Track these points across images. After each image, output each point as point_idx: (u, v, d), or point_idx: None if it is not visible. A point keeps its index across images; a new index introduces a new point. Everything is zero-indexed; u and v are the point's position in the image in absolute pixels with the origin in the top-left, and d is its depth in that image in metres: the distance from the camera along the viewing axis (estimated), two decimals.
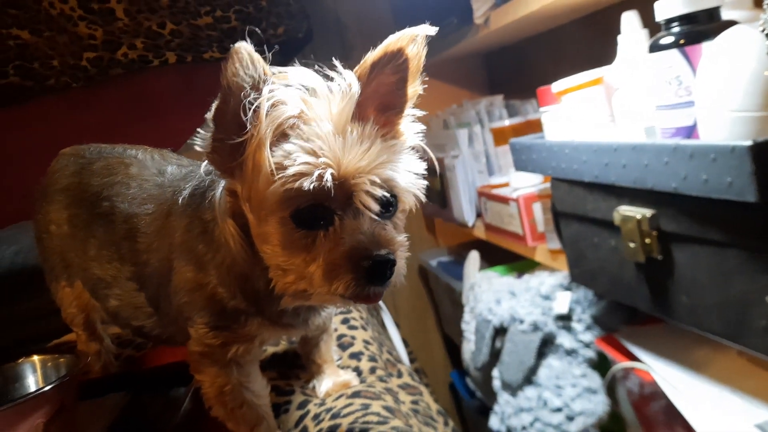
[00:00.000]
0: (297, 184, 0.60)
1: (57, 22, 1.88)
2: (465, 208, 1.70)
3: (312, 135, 0.62)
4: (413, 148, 0.72)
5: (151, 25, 1.94)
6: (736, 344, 0.73)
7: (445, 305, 2.02)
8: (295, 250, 0.64)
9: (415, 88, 0.70)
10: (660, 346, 0.99)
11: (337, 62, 0.66)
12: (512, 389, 1.27)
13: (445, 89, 2.11)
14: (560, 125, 1.07)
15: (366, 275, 0.61)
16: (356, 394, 0.90)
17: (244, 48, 0.59)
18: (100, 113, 1.94)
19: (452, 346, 2.16)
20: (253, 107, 0.61)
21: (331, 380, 0.98)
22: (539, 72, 1.77)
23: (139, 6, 1.92)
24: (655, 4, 0.78)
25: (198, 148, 0.66)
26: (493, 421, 1.34)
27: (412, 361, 1.89)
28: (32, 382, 0.95)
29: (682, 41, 0.75)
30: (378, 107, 0.69)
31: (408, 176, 0.67)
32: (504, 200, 1.44)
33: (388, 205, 0.66)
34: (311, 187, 0.60)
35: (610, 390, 1.19)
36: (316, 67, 0.66)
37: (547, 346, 1.24)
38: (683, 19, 0.76)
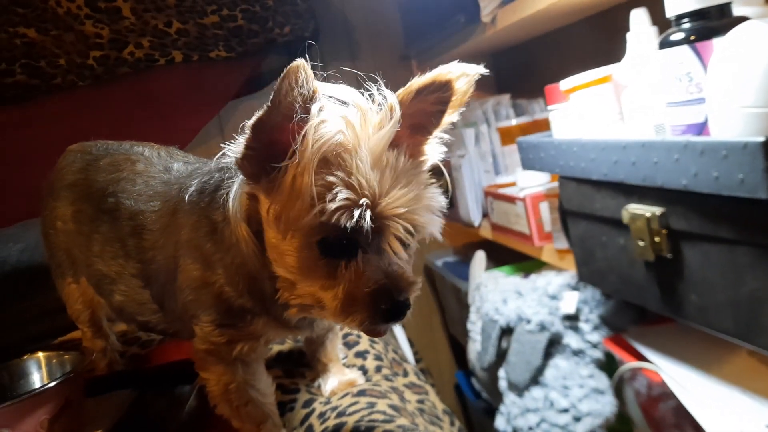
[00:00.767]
0: (335, 218, 0.60)
1: (64, 21, 1.88)
2: (471, 208, 1.69)
3: (353, 168, 0.61)
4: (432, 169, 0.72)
5: (157, 23, 1.94)
6: (748, 343, 0.72)
7: (450, 305, 2.01)
8: (313, 275, 0.65)
9: (451, 118, 0.70)
10: (669, 347, 0.98)
11: (379, 78, 0.65)
12: (519, 389, 1.26)
13: None
14: (568, 123, 1.06)
15: (383, 316, 0.62)
16: (362, 393, 0.89)
17: (303, 67, 0.58)
18: (107, 112, 1.95)
19: (458, 346, 2.15)
20: (303, 132, 0.60)
21: (337, 379, 0.98)
22: (546, 72, 1.77)
23: (145, 5, 1.92)
24: (666, 0, 0.77)
25: (229, 153, 0.65)
26: (499, 422, 1.33)
27: (417, 361, 1.89)
28: (37, 378, 0.95)
29: (692, 37, 0.75)
30: (410, 126, 0.69)
31: (433, 217, 0.67)
32: (511, 200, 1.43)
33: (408, 243, 0.67)
34: (348, 224, 0.60)
35: (618, 391, 1.18)
36: (361, 81, 0.65)
37: (554, 346, 1.23)
38: (694, 15, 0.75)
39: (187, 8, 1.94)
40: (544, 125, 1.48)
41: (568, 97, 1.05)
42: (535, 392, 1.23)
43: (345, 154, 0.62)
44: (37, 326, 1.26)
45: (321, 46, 2.01)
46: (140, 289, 0.88)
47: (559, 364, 1.21)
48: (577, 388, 1.18)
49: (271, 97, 0.59)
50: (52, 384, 0.82)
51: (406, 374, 1.11)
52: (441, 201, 0.69)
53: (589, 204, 0.97)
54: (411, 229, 0.63)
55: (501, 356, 1.34)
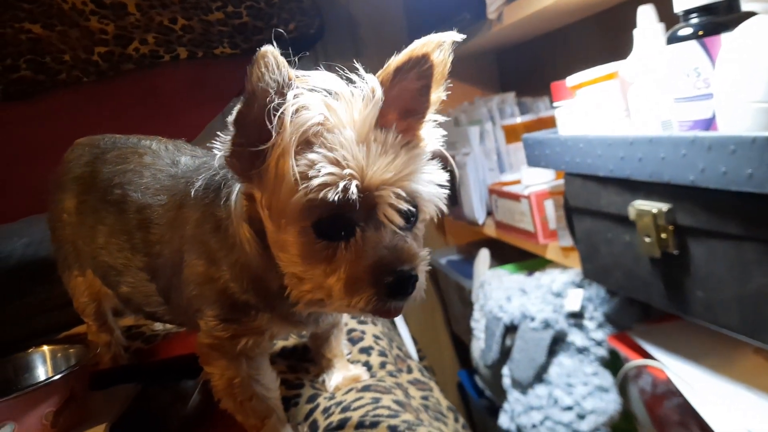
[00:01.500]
0: (321, 194, 0.59)
1: (69, 17, 1.88)
2: (476, 206, 1.69)
3: (336, 144, 0.61)
4: (433, 154, 0.71)
5: (162, 20, 1.94)
6: (754, 340, 0.72)
7: (454, 304, 2.01)
8: (314, 260, 0.63)
9: (438, 94, 0.69)
10: (674, 344, 0.97)
11: (358, 65, 0.64)
12: (522, 387, 1.26)
13: (457, 87, 2.10)
14: (574, 120, 1.06)
15: (388, 291, 0.60)
16: (366, 388, 0.89)
17: (271, 52, 0.58)
18: (111, 108, 1.95)
19: (460, 345, 2.15)
20: (278, 114, 0.59)
21: (341, 374, 0.98)
22: (551, 70, 1.76)
23: (150, 1, 1.92)
24: None
25: (217, 152, 0.65)
26: (503, 420, 1.33)
27: (421, 359, 1.88)
28: (42, 372, 0.95)
29: (701, 32, 0.74)
30: (400, 112, 0.68)
31: (431, 187, 0.66)
32: (515, 197, 1.43)
33: (410, 216, 0.65)
34: (336, 198, 0.59)
35: (622, 389, 1.17)
36: (338, 69, 0.65)
37: (558, 344, 1.23)
38: (702, 10, 0.75)
39: (191, 5, 1.94)
40: (548, 123, 1.48)
41: (575, 93, 1.04)
42: (539, 390, 1.22)
43: (327, 133, 0.61)
44: (42, 321, 1.25)
45: (326, 43, 2.01)
46: (146, 282, 0.88)
47: (563, 361, 1.21)
48: (581, 385, 1.18)
49: (245, 87, 0.59)
50: (57, 377, 0.83)
51: (410, 371, 1.11)
52: (439, 174, 0.68)
53: (594, 200, 0.97)
54: (403, 194, 0.62)
55: (505, 354, 1.34)
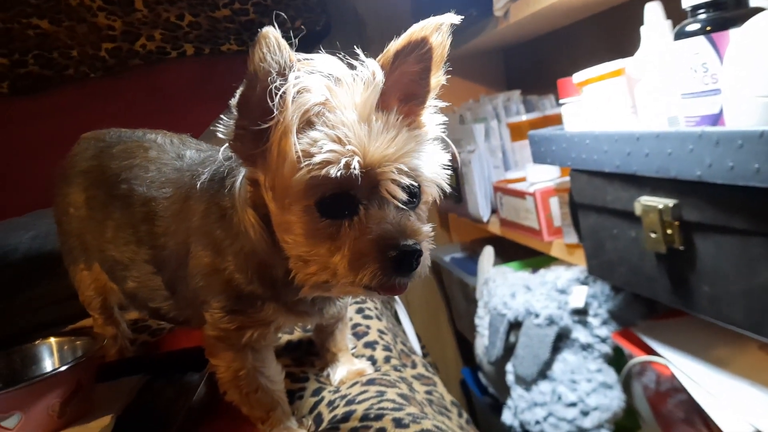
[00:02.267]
0: (323, 171, 0.59)
1: (76, 12, 1.89)
2: (480, 204, 1.69)
3: (338, 123, 0.61)
4: (435, 140, 0.72)
5: (169, 16, 1.95)
6: (760, 335, 0.72)
7: (458, 301, 2.01)
8: (318, 239, 0.63)
9: (438, 78, 0.69)
10: (679, 340, 0.98)
11: (359, 51, 0.65)
12: (526, 383, 1.26)
13: (463, 85, 2.10)
14: (581, 116, 1.06)
15: (392, 265, 0.60)
16: (371, 382, 0.89)
17: (272, 33, 0.58)
18: (118, 103, 1.95)
19: (464, 342, 2.16)
20: (280, 93, 0.60)
21: (346, 368, 0.98)
22: (557, 68, 1.75)
23: None
24: None
25: (220, 135, 0.65)
26: (506, 416, 1.33)
27: (425, 355, 1.89)
28: (49, 363, 0.96)
29: (708, 28, 0.74)
30: (401, 97, 0.68)
31: (433, 166, 0.67)
32: (520, 195, 1.43)
33: (413, 196, 0.66)
34: (338, 174, 0.59)
35: (626, 386, 1.18)
36: (339, 55, 0.66)
37: (562, 340, 1.23)
38: (710, 6, 0.75)
39: (199, 1, 1.94)
40: (554, 121, 1.48)
41: (581, 90, 1.05)
42: (543, 386, 1.23)
43: (329, 113, 0.62)
44: (48, 313, 1.26)
45: (332, 40, 2.01)
46: (152, 275, 0.88)
47: (567, 358, 1.21)
48: (585, 382, 1.18)
49: (247, 68, 0.59)
50: (64, 368, 0.83)
51: (414, 366, 1.11)
52: (441, 154, 0.68)
53: (600, 196, 0.97)
54: (405, 169, 0.62)
55: (509, 350, 1.34)
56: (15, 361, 0.94)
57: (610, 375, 1.18)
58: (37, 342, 0.96)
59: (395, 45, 0.65)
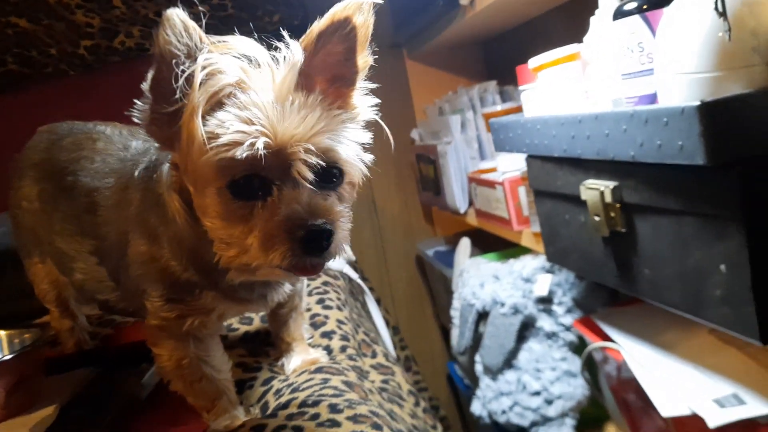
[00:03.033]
0: (230, 153, 0.59)
1: (55, 11, 1.89)
2: (457, 195, 1.68)
3: (249, 103, 0.61)
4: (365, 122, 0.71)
5: (148, 13, 1.95)
6: (695, 317, 0.71)
7: (440, 295, 2.00)
8: (233, 221, 0.63)
9: (365, 59, 0.69)
10: (633, 326, 0.97)
11: (285, 33, 0.64)
12: (493, 373, 1.25)
13: (443, 77, 2.09)
14: (537, 102, 1.05)
15: (302, 245, 0.60)
16: (318, 370, 0.89)
17: (177, 14, 0.58)
18: (98, 101, 1.94)
19: (448, 336, 2.14)
20: (185, 75, 0.59)
21: (300, 358, 0.97)
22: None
23: None
24: None
25: (136, 120, 0.65)
26: (475, 406, 1.32)
27: (402, 348, 1.88)
28: None
29: (645, 6, 0.74)
30: (329, 79, 0.68)
31: (351, 146, 0.66)
32: (491, 184, 1.42)
33: (331, 176, 0.65)
34: (244, 155, 0.58)
35: (593, 375, 1.17)
36: (262, 37, 0.65)
37: (528, 329, 1.22)
38: None
39: None
40: None
41: (536, 75, 1.04)
42: (509, 375, 1.22)
43: (240, 93, 0.61)
44: (10, 308, 1.26)
45: None
46: (97, 266, 0.88)
47: (533, 347, 1.21)
48: (549, 370, 1.17)
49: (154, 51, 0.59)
50: (7, 358, 0.83)
51: (374, 355, 1.11)
52: (361, 134, 0.68)
53: (552, 182, 0.96)
54: (313, 149, 0.61)
55: (478, 341, 1.33)
56: None
57: (574, 363, 1.17)
58: None
59: (318, 25, 0.64)
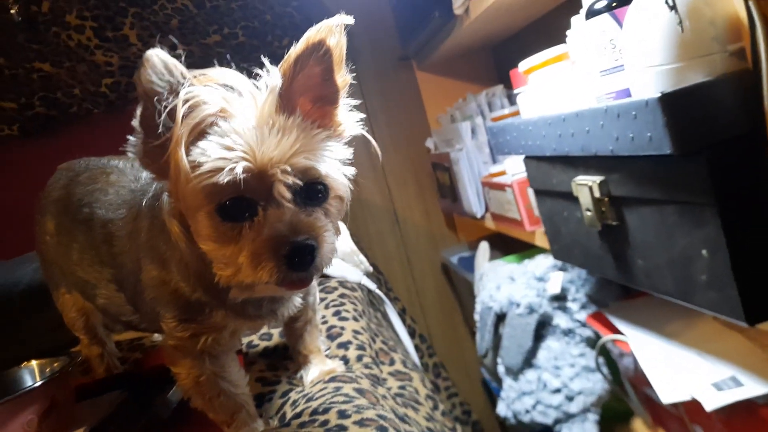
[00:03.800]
0: (213, 179, 0.63)
1: (75, 53, 1.97)
2: (472, 200, 1.70)
3: (230, 131, 0.64)
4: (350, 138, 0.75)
5: (163, 47, 2.02)
6: (687, 303, 0.72)
7: (467, 300, 2.02)
8: (224, 242, 0.67)
9: (343, 77, 0.72)
10: (641, 318, 0.98)
11: (265, 60, 0.68)
12: (514, 373, 1.26)
13: (454, 85, 2.12)
14: (530, 104, 1.07)
15: (286, 261, 0.63)
16: (332, 379, 0.92)
17: (156, 55, 0.62)
18: (123, 137, 2.02)
19: None
20: (167, 110, 0.63)
21: (318, 369, 1.00)
22: None
23: (150, 30, 2.00)
24: None
25: (130, 155, 0.69)
26: (500, 408, 1.33)
27: (431, 355, 1.90)
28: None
29: (614, 4, 0.75)
30: (312, 99, 0.71)
31: (331, 163, 0.69)
32: (501, 187, 1.44)
33: (316, 193, 0.68)
34: (225, 180, 0.62)
35: (614, 369, 1.17)
36: (243, 66, 0.69)
37: (545, 328, 1.23)
38: None
39: (189, 30, 2.01)
40: None
41: (527, 78, 1.06)
42: (529, 375, 1.23)
43: (222, 121, 0.65)
44: (51, 340, 1.32)
45: None
46: (117, 293, 0.93)
47: (551, 345, 1.22)
48: (568, 367, 1.18)
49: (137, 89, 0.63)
50: (38, 384, 0.88)
51: (392, 363, 1.13)
52: (343, 151, 0.71)
53: (548, 181, 0.98)
54: (289, 170, 0.64)
55: (499, 343, 1.34)
56: None
57: (592, 359, 1.18)
58: (22, 366, 1.01)
59: (295, 50, 0.68)
